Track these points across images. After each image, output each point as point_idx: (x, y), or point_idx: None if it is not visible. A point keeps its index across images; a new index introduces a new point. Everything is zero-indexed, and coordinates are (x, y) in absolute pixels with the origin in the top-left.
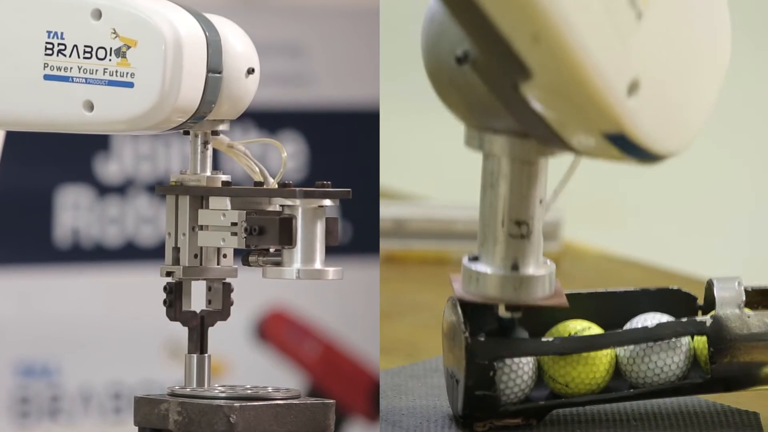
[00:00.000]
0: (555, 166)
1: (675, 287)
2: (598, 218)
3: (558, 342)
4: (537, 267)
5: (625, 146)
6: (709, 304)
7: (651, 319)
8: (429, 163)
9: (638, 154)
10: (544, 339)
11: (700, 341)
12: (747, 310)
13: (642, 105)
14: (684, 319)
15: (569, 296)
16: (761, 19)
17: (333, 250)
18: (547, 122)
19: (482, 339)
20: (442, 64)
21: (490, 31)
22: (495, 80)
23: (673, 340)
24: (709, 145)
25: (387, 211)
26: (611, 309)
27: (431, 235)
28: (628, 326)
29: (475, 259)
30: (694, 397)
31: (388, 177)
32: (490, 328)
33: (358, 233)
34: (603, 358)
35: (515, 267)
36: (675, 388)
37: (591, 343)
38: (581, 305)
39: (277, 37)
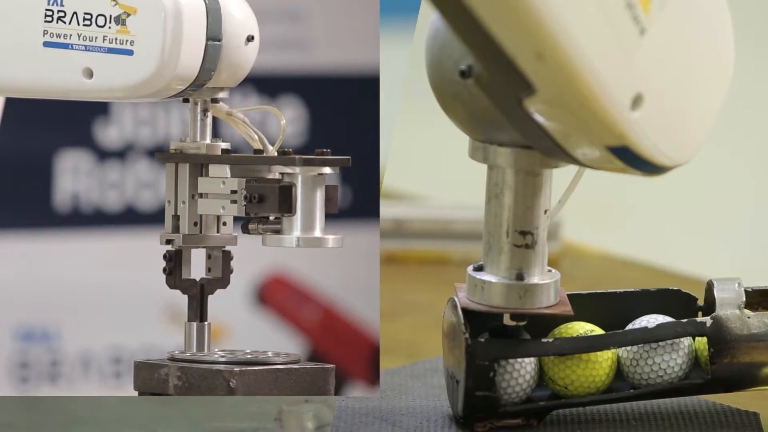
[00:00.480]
0: (559, 174)
1: (675, 288)
2: (598, 218)
3: (558, 342)
4: (542, 276)
5: (630, 159)
6: (710, 304)
7: (652, 321)
8: (429, 163)
9: (642, 166)
10: (544, 340)
11: (701, 342)
12: (747, 311)
13: (646, 118)
14: (684, 320)
15: (569, 297)
16: (761, 19)
17: (333, 215)
18: (551, 136)
19: (482, 340)
20: (446, 78)
21: (494, 49)
22: (499, 95)
23: (676, 340)
24: (708, 145)
25: (387, 211)
26: (611, 310)
27: (431, 235)
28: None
29: (479, 268)
30: (694, 397)
31: (388, 177)
32: (490, 327)
33: (358, 198)
34: (604, 362)
35: (520, 276)
36: (675, 389)
37: (591, 344)
38: (581, 306)
39: (276, 2)
